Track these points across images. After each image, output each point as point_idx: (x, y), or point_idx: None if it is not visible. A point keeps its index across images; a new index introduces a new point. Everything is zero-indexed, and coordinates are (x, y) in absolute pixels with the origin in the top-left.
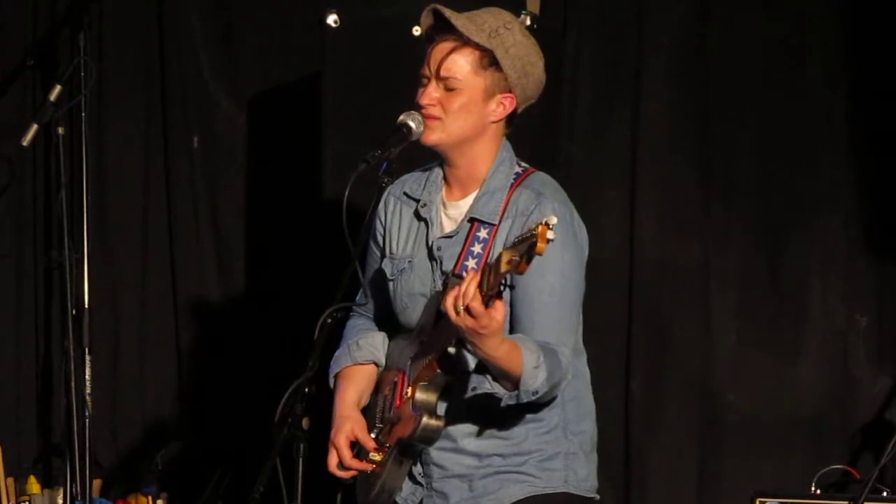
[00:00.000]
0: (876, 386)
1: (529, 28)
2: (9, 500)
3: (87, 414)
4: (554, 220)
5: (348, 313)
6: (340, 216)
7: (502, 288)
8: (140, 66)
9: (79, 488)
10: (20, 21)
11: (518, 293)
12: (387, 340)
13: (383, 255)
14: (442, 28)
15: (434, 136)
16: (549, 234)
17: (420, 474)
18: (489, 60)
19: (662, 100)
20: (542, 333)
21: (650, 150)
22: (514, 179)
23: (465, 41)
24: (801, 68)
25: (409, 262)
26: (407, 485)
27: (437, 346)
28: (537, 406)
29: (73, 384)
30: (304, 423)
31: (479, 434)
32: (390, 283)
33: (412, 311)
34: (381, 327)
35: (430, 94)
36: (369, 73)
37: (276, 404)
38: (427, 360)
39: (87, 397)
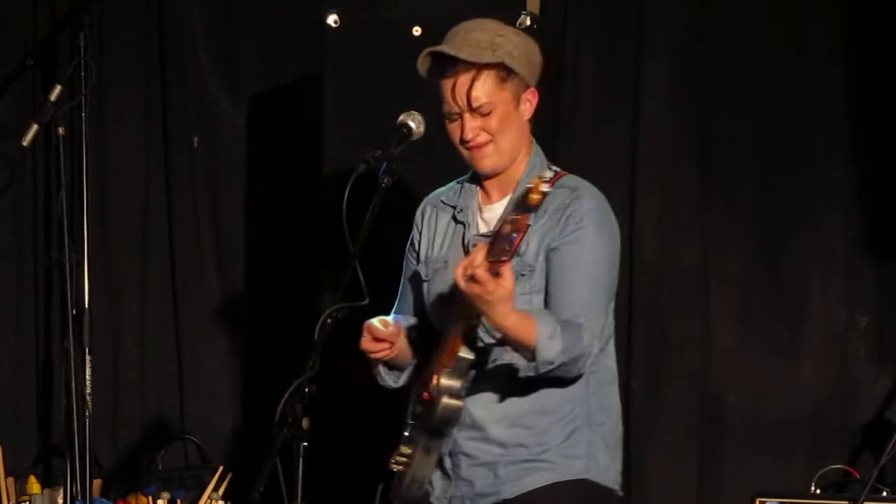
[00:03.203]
0: (876, 386)
1: (529, 28)
2: (9, 500)
3: (87, 414)
4: (549, 174)
5: (348, 313)
6: (340, 216)
7: (509, 255)
8: (140, 66)
9: (79, 488)
10: (20, 21)
11: (552, 271)
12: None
13: (419, 261)
14: (445, 64)
15: (490, 161)
16: (543, 187)
17: (449, 466)
18: (504, 71)
19: (662, 100)
20: (569, 310)
21: (650, 150)
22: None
23: (477, 67)
24: (801, 68)
25: (445, 262)
26: (438, 482)
27: (459, 329)
28: (559, 382)
29: (73, 384)
30: (304, 423)
31: (506, 423)
32: (425, 284)
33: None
34: None
35: (471, 126)
36: (369, 73)
37: (276, 404)
38: (450, 346)
39: (87, 397)
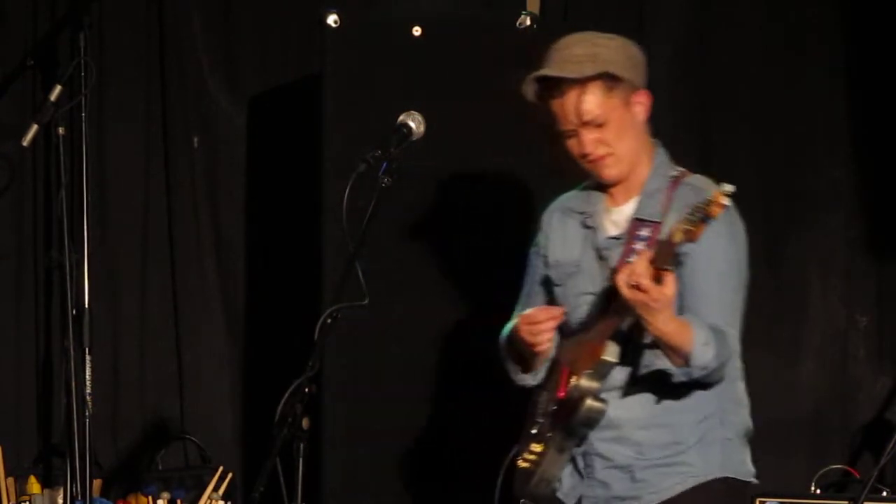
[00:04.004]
0: (876, 386)
1: (529, 28)
2: (9, 500)
3: (87, 414)
4: (730, 188)
5: (347, 313)
6: (340, 216)
7: (674, 263)
8: (140, 66)
9: (79, 488)
10: (20, 21)
11: (687, 281)
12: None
13: (547, 265)
14: (551, 85)
15: (614, 171)
16: (724, 200)
17: (581, 466)
18: (610, 80)
19: (662, 99)
20: (711, 317)
21: None
22: (672, 180)
23: (582, 82)
24: (801, 68)
25: (577, 265)
26: (567, 479)
27: (604, 333)
28: (702, 385)
29: (73, 384)
30: (304, 423)
31: (642, 423)
32: (557, 288)
33: (580, 310)
34: None
35: (588, 140)
36: (369, 73)
37: (276, 404)
38: (592, 349)
39: (87, 397)
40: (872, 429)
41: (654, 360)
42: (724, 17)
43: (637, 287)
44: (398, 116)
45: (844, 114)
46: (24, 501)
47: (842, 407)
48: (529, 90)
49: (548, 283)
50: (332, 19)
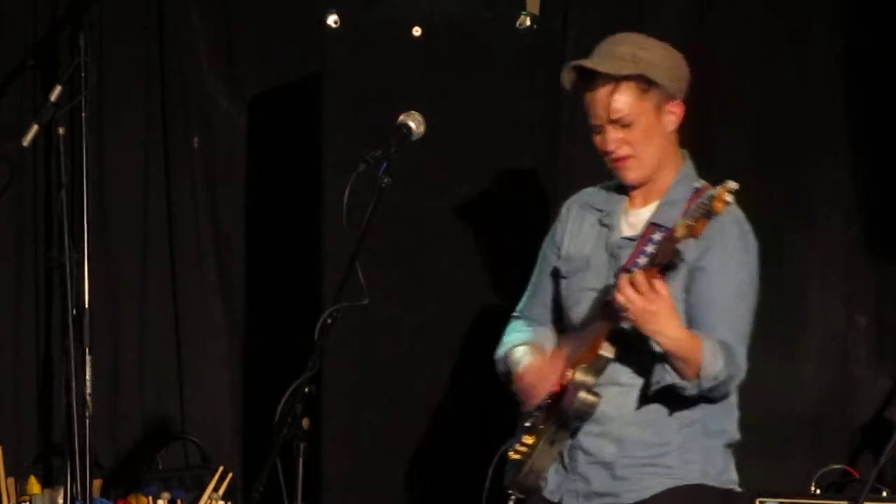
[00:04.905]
0: (876, 386)
1: (529, 28)
2: (9, 500)
3: (87, 414)
4: (734, 185)
5: (347, 313)
6: (340, 216)
7: (676, 259)
8: (140, 66)
9: (79, 488)
10: (20, 21)
11: (698, 290)
12: (554, 334)
13: (559, 257)
14: (587, 77)
15: (634, 174)
16: (727, 197)
17: (567, 460)
18: (645, 83)
19: None
20: (721, 333)
21: None
22: (694, 193)
23: (616, 79)
24: (801, 68)
25: (587, 261)
26: (552, 477)
27: (602, 329)
28: (709, 400)
29: (73, 384)
30: (304, 423)
31: (627, 421)
32: (563, 281)
33: (583, 305)
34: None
35: (613, 138)
36: (369, 73)
37: (276, 404)
38: (590, 344)
39: (87, 397)
40: (872, 429)
41: (664, 376)
42: (723, 17)
43: (633, 285)
44: (398, 116)
45: (844, 114)
46: (24, 501)
47: (842, 407)
48: (567, 79)
49: (556, 276)
50: (332, 19)
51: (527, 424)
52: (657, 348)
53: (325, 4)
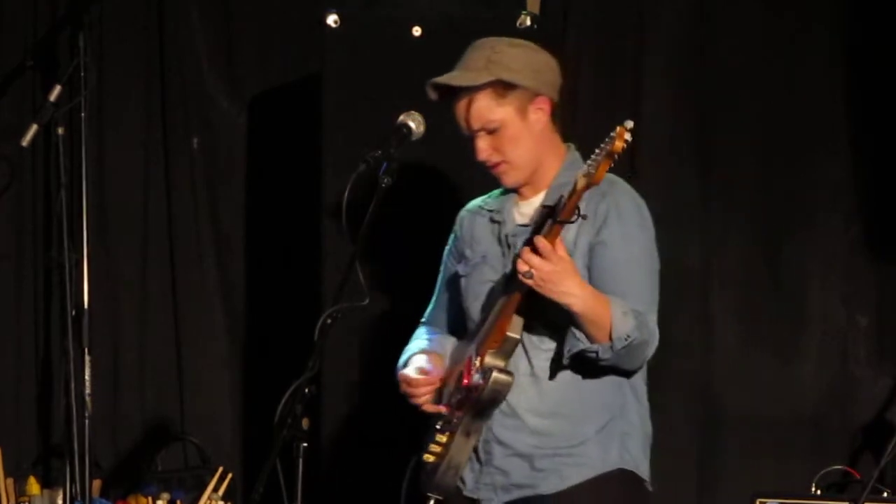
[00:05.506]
0: (876, 386)
1: (529, 28)
2: (9, 501)
3: (87, 414)
4: (630, 124)
5: (347, 313)
6: (340, 216)
7: (575, 219)
8: (140, 66)
9: (79, 488)
10: (20, 21)
11: (601, 266)
12: (454, 341)
13: (457, 262)
14: (448, 90)
15: (511, 178)
16: (627, 136)
17: (483, 454)
18: (502, 86)
19: (662, 99)
20: (631, 302)
21: (650, 149)
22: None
23: (471, 90)
24: (801, 68)
25: (483, 256)
26: (468, 476)
27: (507, 310)
28: (624, 372)
29: (73, 384)
30: (304, 423)
31: (543, 412)
32: (462, 280)
33: (483, 298)
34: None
35: (481, 148)
36: (369, 73)
37: (276, 405)
38: (496, 329)
39: (87, 397)
40: (872, 429)
41: (576, 343)
42: (724, 17)
43: (532, 257)
44: (398, 116)
45: (844, 114)
46: (24, 502)
47: (842, 407)
48: (431, 95)
49: (456, 280)
50: (332, 19)
51: (437, 426)
52: (568, 312)
53: (325, 4)
